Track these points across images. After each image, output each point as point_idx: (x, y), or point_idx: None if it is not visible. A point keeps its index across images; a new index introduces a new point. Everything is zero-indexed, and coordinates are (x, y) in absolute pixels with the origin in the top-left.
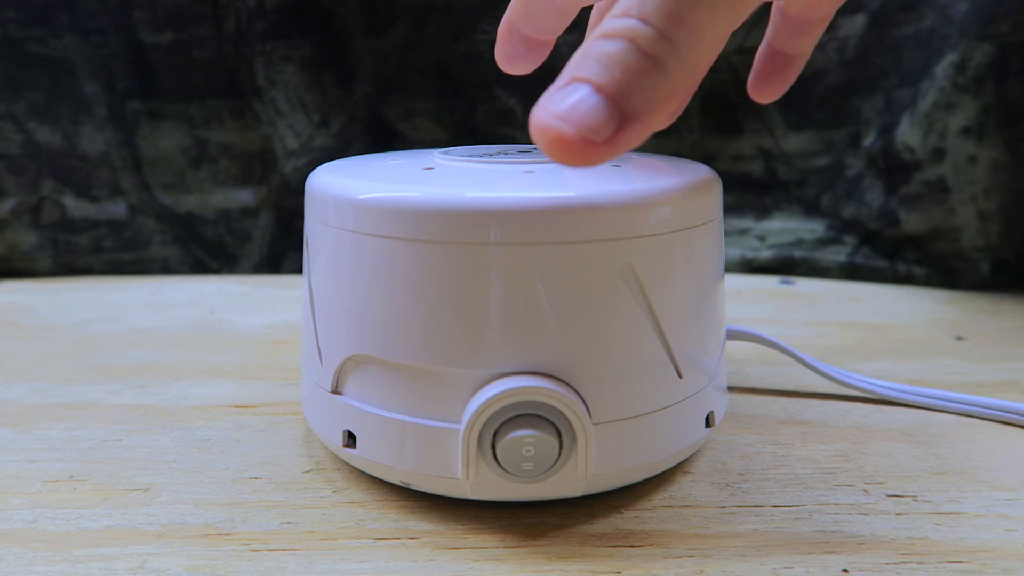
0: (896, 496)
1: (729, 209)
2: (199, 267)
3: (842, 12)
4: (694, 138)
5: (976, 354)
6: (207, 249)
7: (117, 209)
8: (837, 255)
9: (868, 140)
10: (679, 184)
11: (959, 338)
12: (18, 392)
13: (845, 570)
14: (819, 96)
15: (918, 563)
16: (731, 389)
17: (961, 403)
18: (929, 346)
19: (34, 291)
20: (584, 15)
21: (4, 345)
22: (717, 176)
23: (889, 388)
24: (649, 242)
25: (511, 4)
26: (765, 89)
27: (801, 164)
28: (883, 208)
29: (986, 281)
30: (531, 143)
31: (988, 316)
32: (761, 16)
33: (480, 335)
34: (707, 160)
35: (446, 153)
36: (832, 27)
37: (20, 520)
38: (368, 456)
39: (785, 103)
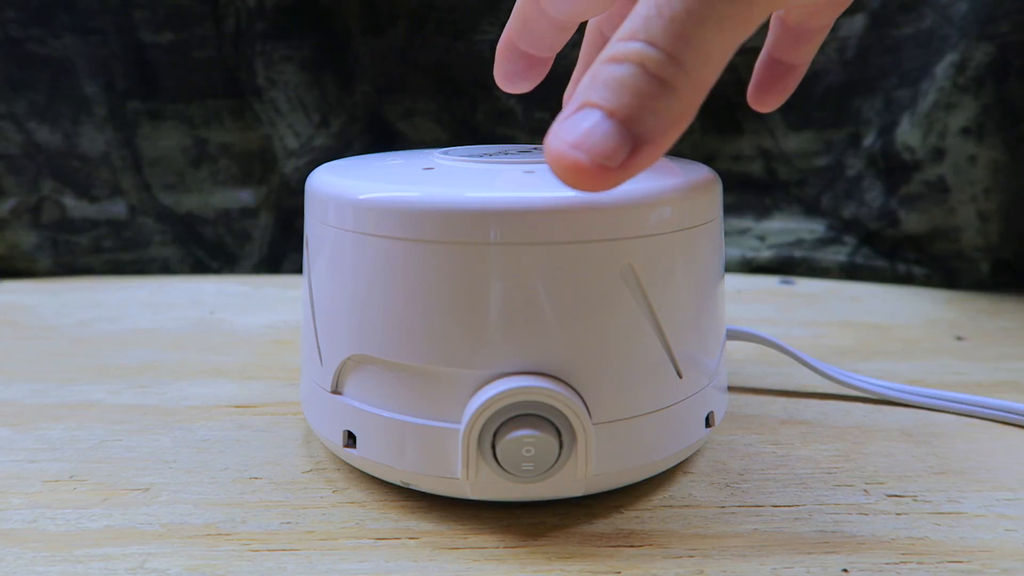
0: (896, 496)
1: (729, 209)
2: (199, 267)
3: (842, 12)
4: (694, 138)
5: (976, 354)
6: (207, 249)
7: (117, 209)
8: (837, 255)
9: (868, 140)
10: (679, 184)
11: (959, 338)
12: (18, 392)
13: (845, 570)
14: (819, 96)
15: (918, 563)
16: (731, 389)
17: (961, 403)
18: (929, 346)
19: (34, 291)
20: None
21: (4, 345)
22: (717, 176)
23: (889, 388)
24: (649, 242)
25: (509, 22)
26: (765, 98)
27: (801, 164)
28: (883, 208)
29: (986, 281)
30: (531, 143)
31: (988, 316)
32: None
33: (480, 335)
34: (707, 160)
35: (446, 153)
36: (832, 27)
37: (20, 520)
38: (368, 456)
39: (785, 103)
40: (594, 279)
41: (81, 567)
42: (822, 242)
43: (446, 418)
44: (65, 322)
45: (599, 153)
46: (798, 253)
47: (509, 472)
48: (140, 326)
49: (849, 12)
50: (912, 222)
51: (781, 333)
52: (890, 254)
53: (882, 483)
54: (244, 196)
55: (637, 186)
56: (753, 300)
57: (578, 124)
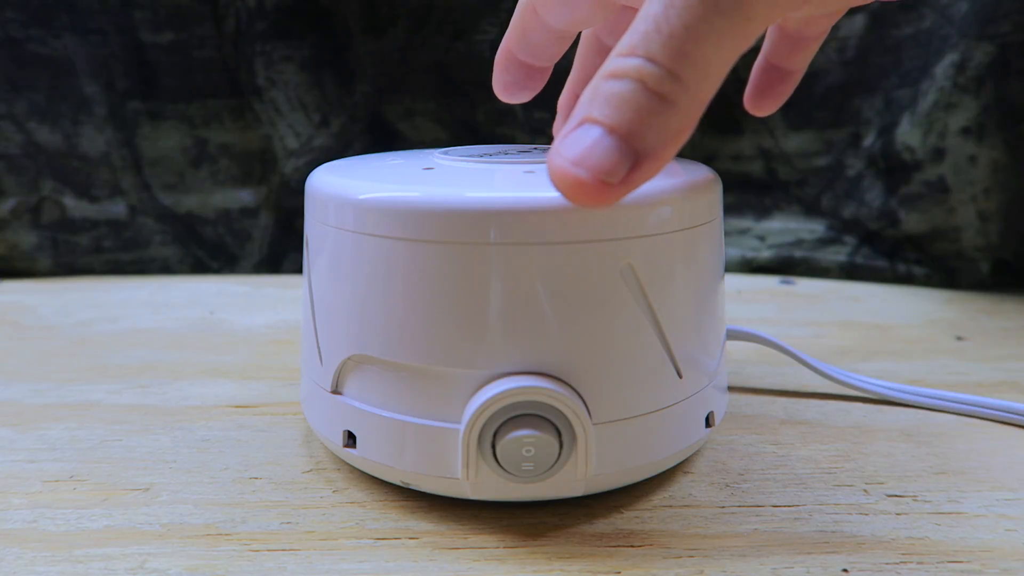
0: (896, 496)
1: (729, 209)
2: (199, 267)
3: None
4: (694, 138)
5: (976, 354)
6: (207, 249)
7: (117, 209)
8: (837, 255)
9: (868, 140)
10: (679, 184)
11: (959, 338)
12: (18, 392)
13: (845, 570)
14: (819, 96)
15: (918, 563)
16: (731, 389)
17: (961, 403)
18: (929, 346)
19: (34, 291)
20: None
21: (4, 345)
22: (717, 176)
23: (889, 388)
24: (649, 242)
25: (507, 32)
26: (762, 103)
27: (801, 164)
28: (883, 208)
29: (986, 281)
30: (531, 143)
31: (988, 316)
32: None
33: (480, 335)
34: (707, 160)
35: (446, 153)
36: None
37: (20, 520)
38: (368, 456)
39: (785, 103)
40: (594, 279)
41: (81, 567)
42: (822, 242)
43: (446, 418)
44: (65, 322)
45: (601, 170)
46: (798, 253)
47: (509, 472)
48: (140, 326)
49: (849, 12)
50: (912, 222)
51: (781, 333)
52: (890, 254)
53: (882, 483)
54: (244, 196)
55: None
56: (753, 300)
57: (579, 141)
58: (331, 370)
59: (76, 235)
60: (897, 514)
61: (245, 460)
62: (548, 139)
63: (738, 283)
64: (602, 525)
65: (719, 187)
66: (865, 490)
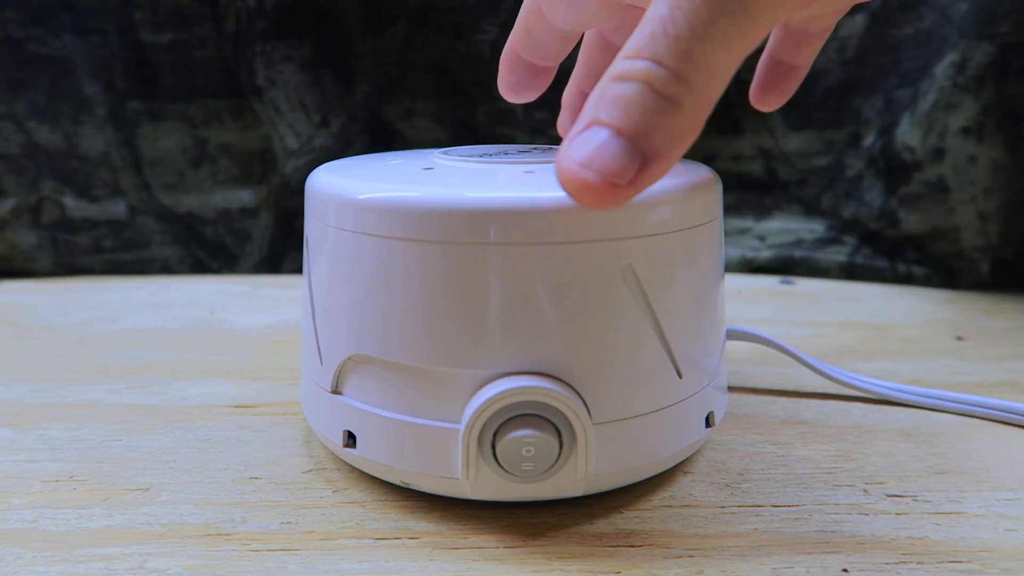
0: (896, 496)
1: (729, 209)
2: (199, 267)
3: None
4: None
5: (976, 354)
6: (207, 249)
7: (117, 209)
8: (837, 255)
9: (868, 140)
10: (679, 184)
11: (959, 338)
12: (18, 392)
13: (845, 570)
14: (819, 96)
15: (918, 563)
16: (731, 389)
17: (961, 403)
18: (929, 346)
19: (34, 291)
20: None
21: (4, 345)
22: (717, 176)
23: (889, 388)
24: (649, 242)
25: (512, 33)
26: (767, 98)
27: (801, 164)
28: (883, 208)
29: (986, 281)
30: (531, 143)
31: (988, 316)
32: None
33: (480, 335)
34: (707, 160)
35: (446, 153)
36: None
37: (20, 520)
38: (368, 456)
39: (785, 104)
40: (594, 279)
41: (81, 567)
42: (822, 242)
43: (446, 418)
44: (65, 322)
45: (609, 171)
46: (798, 253)
47: (509, 472)
48: (140, 326)
49: (850, 11)
50: (912, 222)
51: (781, 333)
52: (890, 254)
53: (882, 483)
54: (244, 196)
55: None
56: (753, 300)
57: (587, 143)
58: (331, 370)
59: (76, 235)
60: (897, 514)
61: (245, 460)
62: (548, 139)
63: (738, 283)
64: (602, 525)
65: (719, 187)
66: (865, 490)
